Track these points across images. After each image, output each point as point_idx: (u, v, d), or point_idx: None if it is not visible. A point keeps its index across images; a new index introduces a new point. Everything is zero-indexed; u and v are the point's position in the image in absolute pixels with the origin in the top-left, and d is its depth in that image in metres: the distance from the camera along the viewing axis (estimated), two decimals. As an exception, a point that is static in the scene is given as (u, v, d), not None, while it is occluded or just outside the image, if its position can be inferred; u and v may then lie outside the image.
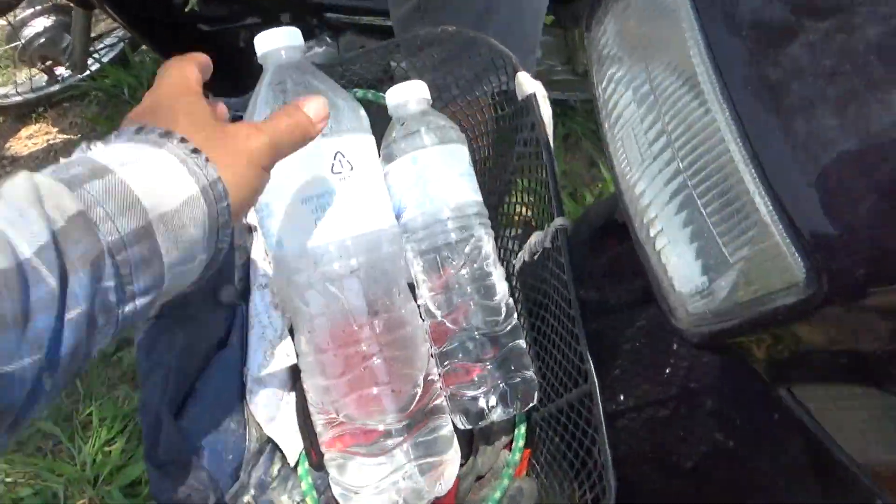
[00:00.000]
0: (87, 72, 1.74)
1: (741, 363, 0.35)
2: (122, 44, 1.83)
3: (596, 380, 0.47)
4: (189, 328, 0.53)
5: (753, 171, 0.29)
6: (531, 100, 0.55)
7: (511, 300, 0.57)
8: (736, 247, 0.31)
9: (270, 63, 0.53)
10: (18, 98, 1.79)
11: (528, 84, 0.55)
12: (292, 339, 0.55)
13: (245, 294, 0.57)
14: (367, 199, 0.54)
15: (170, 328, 0.52)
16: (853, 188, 0.27)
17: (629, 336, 0.56)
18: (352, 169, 0.53)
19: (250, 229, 0.59)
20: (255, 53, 0.54)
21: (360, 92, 0.67)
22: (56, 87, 1.80)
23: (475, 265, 0.55)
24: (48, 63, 1.71)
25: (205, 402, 0.52)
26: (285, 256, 0.53)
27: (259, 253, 0.60)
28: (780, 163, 0.28)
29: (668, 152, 0.32)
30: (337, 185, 0.52)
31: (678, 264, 0.34)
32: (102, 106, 1.82)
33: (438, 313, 0.55)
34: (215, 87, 0.51)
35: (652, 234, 0.35)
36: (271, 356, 0.55)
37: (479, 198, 0.58)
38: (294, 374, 0.56)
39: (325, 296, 0.52)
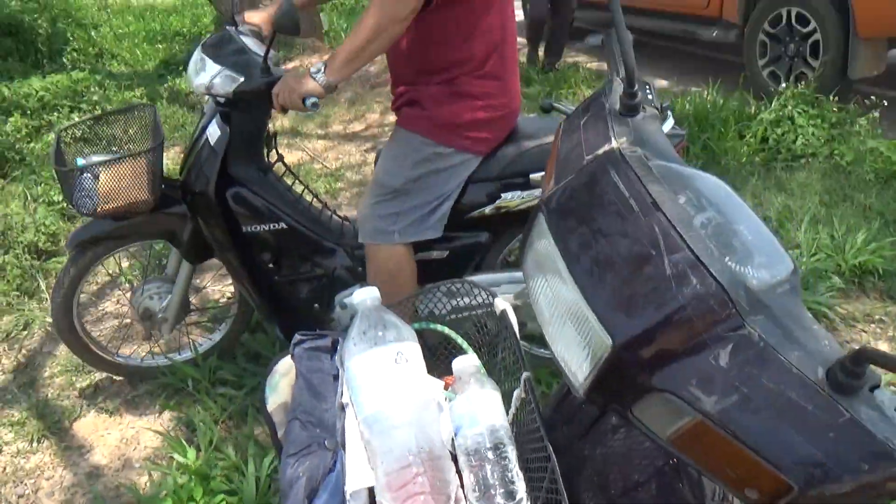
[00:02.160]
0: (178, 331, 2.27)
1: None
2: (218, 335, 2.34)
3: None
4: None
5: (585, 304, 0.67)
6: (504, 314, 0.96)
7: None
8: (587, 342, 0.67)
9: (361, 307, 0.96)
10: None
11: (500, 304, 0.96)
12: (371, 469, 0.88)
13: (343, 442, 0.92)
14: (416, 376, 0.92)
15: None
16: (631, 308, 0.65)
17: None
18: (407, 361, 0.92)
19: (343, 407, 0.96)
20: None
21: (416, 324, 1.08)
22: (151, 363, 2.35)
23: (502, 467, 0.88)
24: (149, 319, 2.21)
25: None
26: (366, 420, 0.89)
27: (351, 418, 0.95)
28: (596, 296, 0.67)
29: (553, 302, 0.70)
30: (398, 369, 0.90)
31: (567, 357, 0.69)
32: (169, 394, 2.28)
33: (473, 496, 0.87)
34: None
35: (555, 348, 0.72)
36: (359, 480, 0.87)
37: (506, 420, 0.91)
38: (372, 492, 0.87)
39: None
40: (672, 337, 0.59)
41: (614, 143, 0.67)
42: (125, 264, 2.95)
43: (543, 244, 0.69)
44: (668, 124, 1.81)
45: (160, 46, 7.07)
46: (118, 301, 2.84)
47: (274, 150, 2.11)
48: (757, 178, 3.47)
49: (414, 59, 1.77)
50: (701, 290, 0.57)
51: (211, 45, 1.92)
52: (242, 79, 1.79)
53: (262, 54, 1.81)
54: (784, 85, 4.09)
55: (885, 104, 3.78)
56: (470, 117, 1.73)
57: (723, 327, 0.57)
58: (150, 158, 1.90)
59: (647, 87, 0.84)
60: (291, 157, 4.31)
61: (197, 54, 1.90)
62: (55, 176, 1.94)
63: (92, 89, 4.99)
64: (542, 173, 1.80)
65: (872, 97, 3.90)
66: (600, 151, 0.67)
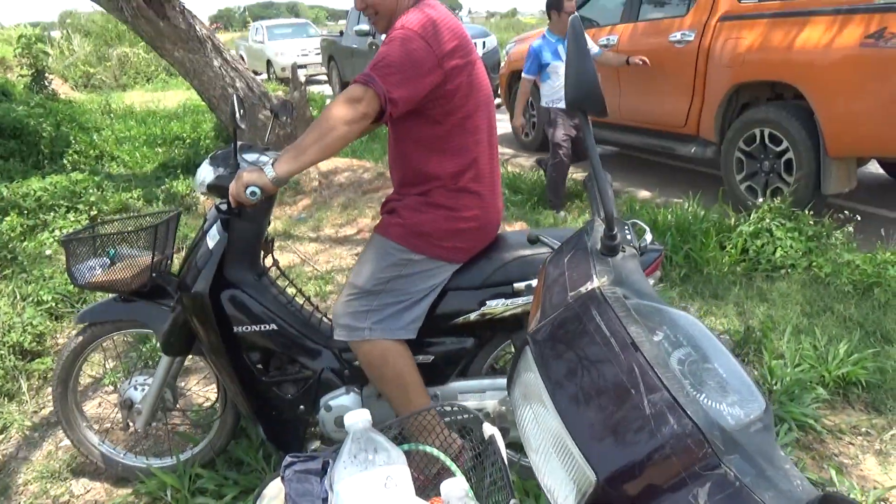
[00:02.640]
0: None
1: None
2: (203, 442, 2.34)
3: None
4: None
5: (570, 437, 0.70)
6: (492, 439, 0.97)
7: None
8: (572, 476, 0.69)
9: (353, 427, 0.97)
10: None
11: (488, 430, 0.98)
12: None
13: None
14: (405, 501, 0.92)
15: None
16: (613, 445, 0.68)
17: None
18: (396, 485, 0.92)
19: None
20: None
21: (405, 446, 1.09)
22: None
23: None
24: (128, 409, 2.24)
25: None
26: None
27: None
28: (579, 430, 0.70)
29: (539, 432, 0.73)
30: (387, 494, 0.91)
31: (554, 488, 0.71)
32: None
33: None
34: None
35: (541, 477, 0.74)
36: None
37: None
38: None
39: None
40: (653, 474, 0.62)
41: (596, 283, 0.72)
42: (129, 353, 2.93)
43: (530, 376, 0.72)
44: (647, 239, 1.88)
45: (160, 150, 7.29)
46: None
47: (270, 255, 2.21)
48: (739, 288, 3.56)
49: (396, 169, 1.90)
50: (678, 430, 0.60)
51: (217, 154, 2.09)
52: (218, 175, 1.95)
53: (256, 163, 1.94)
54: (761, 200, 4.26)
55: (859, 218, 3.95)
56: (442, 227, 1.82)
57: (700, 466, 0.60)
58: (149, 247, 2.09)
59: (626, 227, 0.90)
60: (284, 259, 4.38)
61: (205, 161, 2.07)
62: (65, 247, 2.11)
63: (90, 190, 5.10)
64: (527, 282, 1.87)
65: (846, 211, 4.07)
66: (583, 290, 0.72)
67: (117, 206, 5.13)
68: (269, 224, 2.09)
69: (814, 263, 3.64)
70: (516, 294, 1.90)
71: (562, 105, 4.71)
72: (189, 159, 6.63)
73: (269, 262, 2.20)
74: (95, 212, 4.87)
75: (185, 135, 7.61)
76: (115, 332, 2.28)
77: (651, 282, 1.93)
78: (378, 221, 1.96)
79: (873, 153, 4.31)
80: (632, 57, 5.02)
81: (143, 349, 2.83)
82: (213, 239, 1.99)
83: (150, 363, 2.82)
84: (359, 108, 1.58)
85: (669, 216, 4.12)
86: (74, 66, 16.16)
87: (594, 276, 0.74)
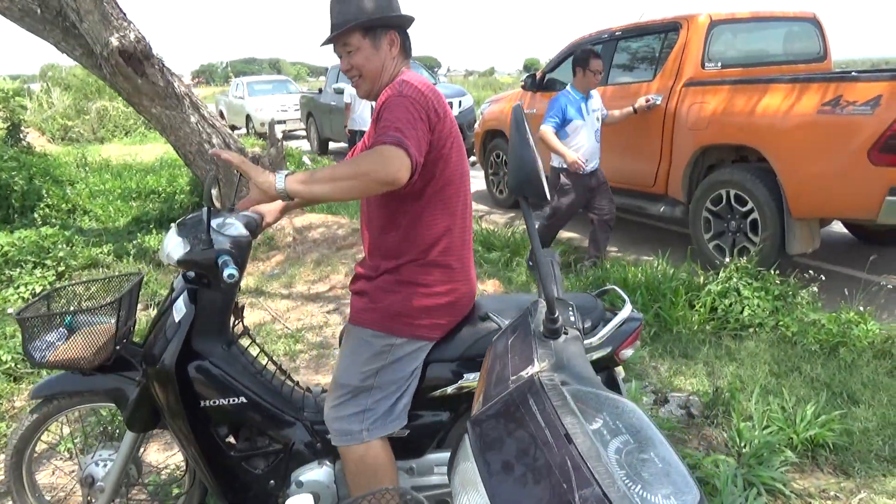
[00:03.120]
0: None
1: None
2: None
3: None
4: None
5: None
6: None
7: None
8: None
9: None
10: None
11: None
12: None
13: None
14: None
15: None
16: None
17: None
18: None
19: None
20: None
21: None
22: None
23: None
24: (89, 486, 2.14)
25: None
26: None
27: None
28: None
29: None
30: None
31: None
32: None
33: None
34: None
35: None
36: None
37: None
38: None
39: None
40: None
41: (536, 367, 0.72)
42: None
43: (468, 465, 0.72)
44: (627, 310, 1.89)
45: (134, 204, 7.26)
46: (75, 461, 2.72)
47: (240, 322, 2.12)
48: (708, 347, 3.58)
49: (368, 233, 1.84)
50: (609, 526, 0.60)
51: (185, 221, 2.02)
52: (188, 248, 1.86)
53: (231, 234, 1.90)
54: (728, 259, 4.34)
55: (823, 278, 4.03)
56: (417, 305, 1.77)
57: (632, 562, 0.59)
58: (112, 320, 1.99)
59: (570, 308, 0.91)
60: (254, 317, 4.33)
61: (171, 228, 2.00)
62: (21, 323, 1.97)
63: (59, 245, 5.03)
64: None
65: (811, 271, 4.15)
66: (524, 374, 0.72)
67: (87, 261, 5.06)
68: (237, 293, 2.04)
69: (780, 323, 3.68)
70: None
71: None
72: (163, 213, 6.60)
73: (238, 328, 2.12)
74: (63, 267, 4.80)
75: (160, 188, 7.60)
76: (75, 406, 2.16)
77: (630, 352, 1.93)
78: (351, 310, 1.88)
79: (833, 215, 4.43)
80: (636, 104, 5.02)
81: (103, 415, 2.73)
82: (179, 312, 1.93)
83: (111, 433, 2.72)
84: (394, 170, 1.47)
85: (640, 275, 4.16)
86: (53, 119, 16.17)
87: (535, 361, 0.74)
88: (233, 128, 16.72)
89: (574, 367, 0.75)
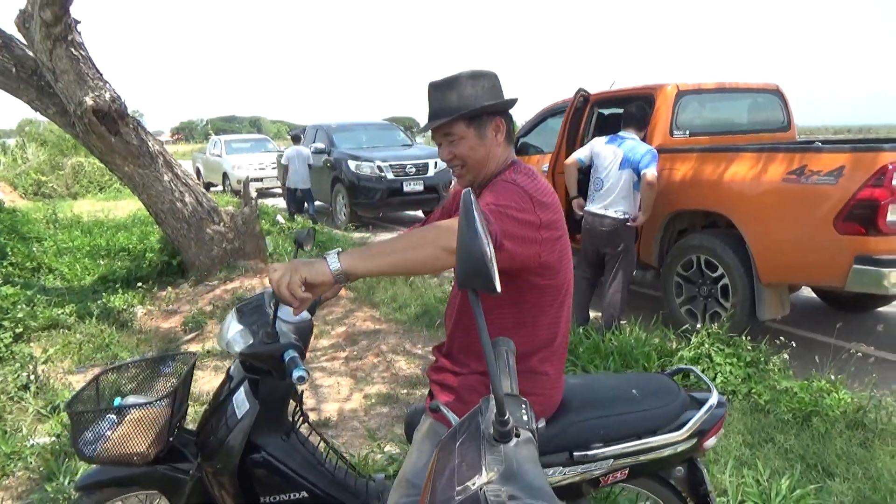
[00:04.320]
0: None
1: None
2: None
3: None
4: None
5: None
6: None
7: None
8: None
9: None
10: None
11: None
12: None
13: None
14: None
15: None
16: None
17: None
18: None
19: None
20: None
21: None
22: None
23: None
24: None
25: None
26: None
27: None
28: None
29: None
30: None
31: None
32: None
33: None
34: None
35: None
36: None
37: None
38: None
39: None
40: None
41: (484, 477, 0.68)
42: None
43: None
44: (714, 398, 1.78)
45: (102, 262, 7.12)
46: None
47: (299, 409, 2.00)
48: (682, 416, 3.52)
49: (458, 329, 1.68)
50: None
51: (244, 306, 1.93)
52: (251, 341, 1.76)
53: (289, 320, 1.80)
54: (700, 324, 4.34)
55: (794, 344, 4.03)
56: None
57: None
58: (168, 410, 1.86)
59: (524, 406, 0.86)
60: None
61: (230, 314, 1.91)
62: (72, 417, 1.83)
63: (19, 306, 4.88)
64: (583, 452, 1.67)
65: (782, 337, 4.16)
66: (470, 485, 0.67)
67: (47, 321, 4.91)
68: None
69: (753, 390, 3.65)
70: (576, 462, 1.69)
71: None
72: (130, 272, 6.46)
73: (297, 415, 1.99)
74: (21, 329, 4.64)
75: (130, 246, 7.47)
76: (123, 495, 2.03)
77: (714, 441, 1.80)
78: (432, 404, 1.64)
79: (801, 281, 4.48)
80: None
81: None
82: (241, 406, 1.84)
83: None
84: None
85: (613, 340, 4.13)
86: (26, 174, 16.04)
87: (483, 469, 0.69)
88: (209, 185, 16.71)
89: (525, 476, 0.69)
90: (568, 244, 1.65)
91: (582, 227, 4.68)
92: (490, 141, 1.66)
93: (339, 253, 1.39)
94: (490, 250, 0.83)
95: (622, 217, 4.48)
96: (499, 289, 0.81)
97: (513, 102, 1.70)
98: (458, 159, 1.66)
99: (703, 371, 3.81)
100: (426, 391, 1.75)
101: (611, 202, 4.48)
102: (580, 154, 4.73)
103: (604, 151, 4.54)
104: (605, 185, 4.49)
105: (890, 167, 3.61)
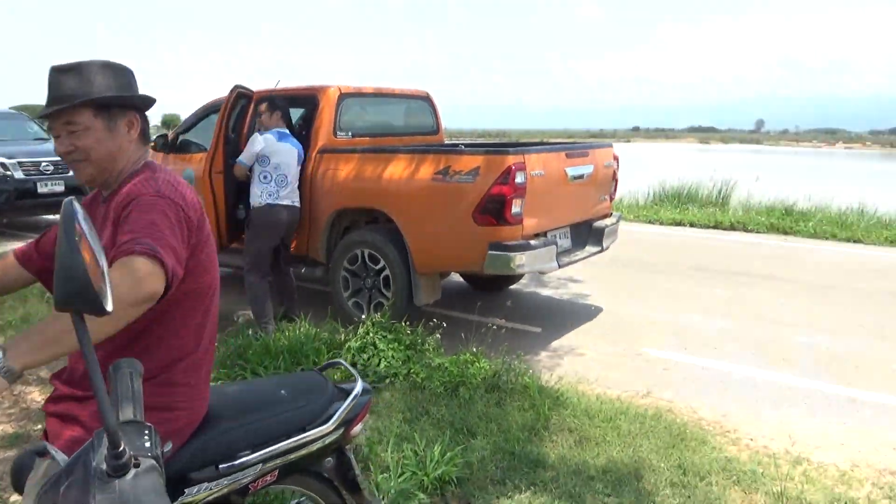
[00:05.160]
0: None
1: None
2: None
3: None
4: None
5: None
6: None
7: None
8: None
9: None
10: None
11: None
12: None
13: None
14: None
15: None
16: None
17: None
18: None
19: None
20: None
21: None
22: None
23: None
24: None
25: None
26: None
27: None
28: None
29: None
30: None
31: None
32: None
33: None
34: None
35: None
36: None
37: None
38: None
39: None
40: None
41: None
42: None
43: None
44: (358, 387, 1.86)
45: None
46: None
47: None
48: (351, 403, 3.72)
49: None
50: None
51: None
52: None
53: None
54: (365, 315, 4.63)
55: (445, 325, 4.55)
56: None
57: None
58: None
59: (147, 432, 0.83)
60: None
61: None
62: None
63: None
64: (230, 462, 1.62)
65: (435, 319, 4.67)
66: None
67: None
68: None
69: (412, 370, 4.03)
70: (223, 475, 1.61)
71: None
72: None
73: None
74: None
75: None
76: None
77: (360, 428, 1.87)
78: (53, 435, 1.47)
79: (450, 268, 5.08)
80: None
81: None
82: None
83: None
84: (147, 286, 1.25)
85: (282, 339, 4.17)
86: None
87: (94, 511, 0.65)
88: None
89: (146, 507, 0.67)
90: (214, 246, 1.64)
91: (267, 222, 4.72)
92: (121, 136, 1.58)
93: (4, 351, 1.19)
94: (102, 265, 0.78)
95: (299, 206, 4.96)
96: (109, 308, 0.76)
97: (150, 100, 1.65)
98: (81, 152, 1.54)
99: (368, 358, 4.08)
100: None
101: (293, 193, 4.86)
102: (253, 152, 4.75)
103: (282, 148, 4.78)
104: (289, 179, 4.80)
105: (513, 167, 4.28)
